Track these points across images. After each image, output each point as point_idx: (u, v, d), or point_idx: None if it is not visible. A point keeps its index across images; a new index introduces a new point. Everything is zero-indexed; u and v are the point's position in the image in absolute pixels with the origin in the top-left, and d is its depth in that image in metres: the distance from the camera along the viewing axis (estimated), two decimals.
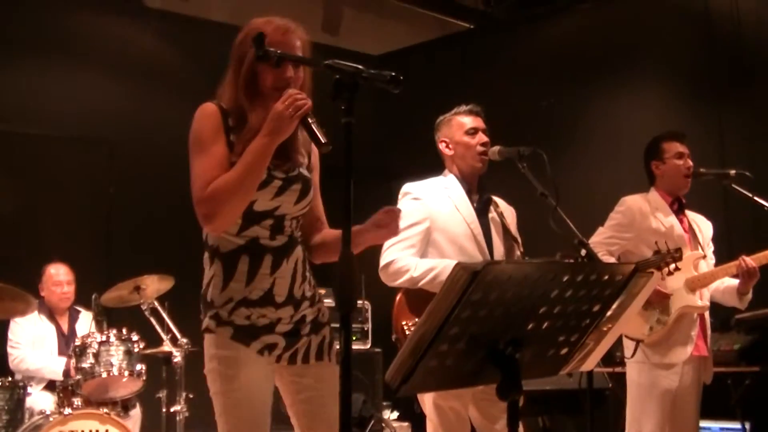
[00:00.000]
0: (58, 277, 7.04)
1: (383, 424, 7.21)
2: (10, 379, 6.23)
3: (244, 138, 3.26)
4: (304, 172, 3.45)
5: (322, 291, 6.37)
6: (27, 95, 7.99)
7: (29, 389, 6.23)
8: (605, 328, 3.25)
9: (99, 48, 8.40)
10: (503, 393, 2.61)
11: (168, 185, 7.67)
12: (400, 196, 4.56)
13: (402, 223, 4.35)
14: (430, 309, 2.40)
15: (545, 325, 2.66)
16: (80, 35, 8.35)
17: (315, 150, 3.56)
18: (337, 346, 3.53)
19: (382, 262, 4.39)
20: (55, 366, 6.65)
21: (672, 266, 4.93)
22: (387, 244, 4.38)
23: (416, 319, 4.29)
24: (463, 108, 4.63)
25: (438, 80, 9.22)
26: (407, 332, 4.27)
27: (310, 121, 3.12)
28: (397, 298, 4.43)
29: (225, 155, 3.26)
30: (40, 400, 6.43)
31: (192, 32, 8.82)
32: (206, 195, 3.19)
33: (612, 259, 5.27)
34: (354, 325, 6.90)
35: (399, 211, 3.40)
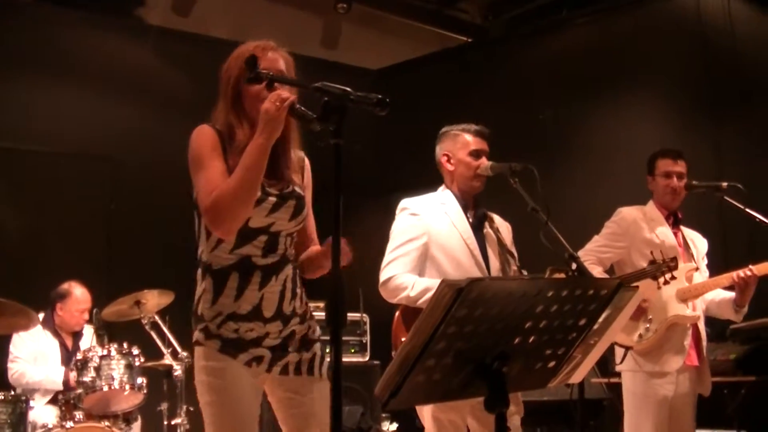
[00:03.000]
0: (83, 304, 7.04)
1: None
2: (12, 393, 6.27)
3: (234, 153, 3.39)
4: (298, 189, 3.55)
5: (320, 304, 6.43)
6: (29, 113, 8.05)
7: (32, 403, 6.24)
8: (592, 342, 3.30)
9: (100, 65, 8.46)
10: (490, 406, 2.67)
11: (168, 201, 7.72)
12: (397, 211, 4.58)
13: (401, 239, 4.45)
14: (416, 325, 2.47)
15: (531, 339, 2.71)
16: (81, 53, 8.41)
17: (308, 170, 3.70)
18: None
19: (382, 278, 4.43)
20: (54, 376, 6.68)
21: (668, 275, 4.98)
22: (386, 260, 4.45)
23: None
24: (473, 128, 4.63)
25: (436, 94, 9.25)
26: None
27: (299, 107, 3.23)
28: (396, 315, 4.47)
29: (224, 169, 3.38)
30: (42, 414, 6.46)
31: (192, 49, 8.88)
32: (212, 202, 3.29)
33: (601, 268, 5.32)
34: (352, 338, 6.96)
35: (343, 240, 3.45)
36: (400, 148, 9.26)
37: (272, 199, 3.43)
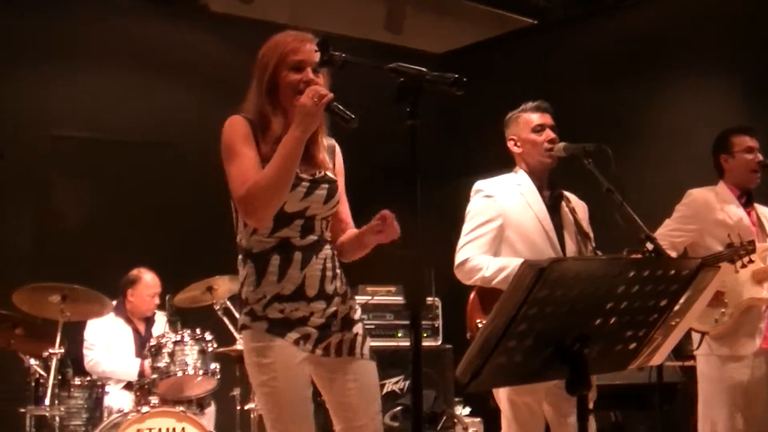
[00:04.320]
0: (153, 288, 7.14)
1: (455, 420, 7.23)
2: (88, 378, 6.36)
3: (269, 142, 3.46)
4: (330, 174, 3.61)
5: (392, 289, 6.44)
6: (93, 102, 8.12)
7: (107, 388, 6.33)
8: (673, 323, 3.28)
9: (163, 53, 8.50)
10: (571, 389, 2.65)
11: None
12: (472, 194, 4.56)
13: (475, 221, 4.43)
14: (498, 306, 2.46)
15: (612, 320, 2.69)
16: (145, 42, 8.45)
17: (338, 156, 3.77)
18: (371, 343, 3.65)
19: (457, 260, 4.43)
20: (129, 368, 6.76)
21: (745, 259, 4.91)
22: (461, 242, 4.44)
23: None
24: (530, 105, 4.61)
25: (500, 77, 9.20)
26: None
27: (336, 105, 3.29)
28: (471, 296, 4.46)
29: (257, 159, 3.45)
30: (117, 399, 6.54)
31: (254, 35, 8.88)
32: (245, 192, 3.37)
33: (674, 253, 5.25)
34: (424, 322, 6.94)
35: (392, 215, 3.47)
36: (466, 132, 9.23)
37: (306, 183, 3.50)
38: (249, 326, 3.51)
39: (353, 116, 3.23)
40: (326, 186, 3.55)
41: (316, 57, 3.40)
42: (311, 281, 3.49)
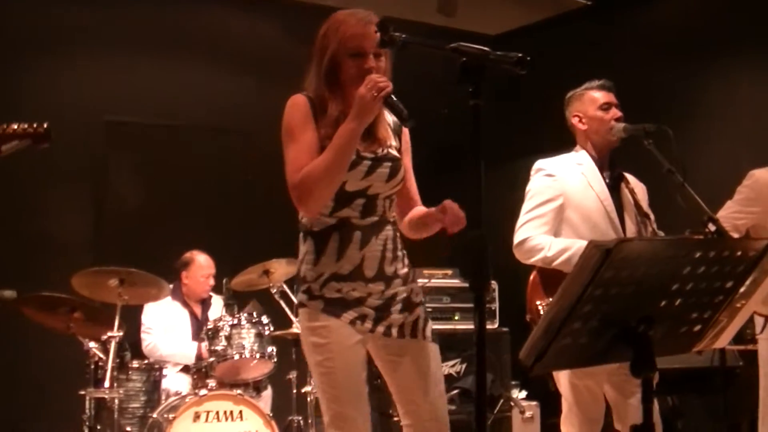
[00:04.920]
0: (207, 269, 7.18)
1: (512, 403, 7.22)
2: (146, 362, 6.42)
3: (326, 125, 3.43)
4: (393, 152, 3.56)
5: (449, 272, 6.43)
6: (162, 88, 8.18)
7: (164, 371, 6.38)
8: (738, 305, 3.23)
9: (229, 40, 8.53)
10: (636, 371, 2.62)
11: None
12: (532, 173, 4.54)
13: (535, 201, 4.41)
14: (563, 287, 2.43)
15: (677, 302, 2.65)
16: (201, 28, 8.48)
17: (406, 133, 3.70)
18: (433, 326, 3.63)
19: (516, 239, 4.41)
20: (187, 351, 6.82)
21: None
22: (520, 221, 4.42)
23: (549, 299, 4.30)
24: (595, 83, 4.59)
25: (554, 58, 9.11)
26: (541, 312, 4.29)
27: (394, 100, 3.25)
28: (531, 277, 4.44)
29: (315, 142, 3.42)
30: (175, 382, 6.59)
31: (310, 19, 8.81)
32: (299, 180, 3.35)
33: (737, 234, 5.18)
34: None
35: (455, 206, 3.40)
36: (521, 113, 9.17)
37: (367, 162, 3.45)
38: (305, 305, 3.51)
39: (409, 117, 3.23)
40: (389, 164, 3.50)
41: (377, 40, 3.34)
42: (370, 262, 3.46)
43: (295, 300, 6.61)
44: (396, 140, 3.61)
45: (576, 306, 2.42)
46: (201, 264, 7.19)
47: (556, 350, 2.50)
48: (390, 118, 3.61)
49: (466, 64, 2.75)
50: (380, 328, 3.48)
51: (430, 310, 6.92)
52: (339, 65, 3.47)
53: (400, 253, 3.58)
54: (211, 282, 7.19)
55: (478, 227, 2.70)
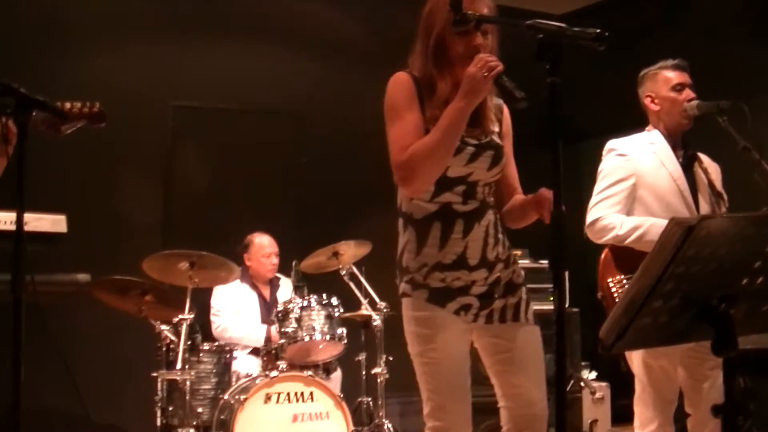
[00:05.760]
0: (267, 248, 7.20)
1: (582, 384, 7.18)
2: (217, 344, 6.46)
3: (434, 105, 3.34)
4: (496, 139, 3.48)
5: (518, 252, 6.40)
6: (219, 72, 8.20)
7: (235, 353, 6.42)
8: None
9: (286, 22, 8.54)
10: (718, 350, 2.57)
11: (358, 153, 7.80)
12: (604, 153, 4.50)
13: (607, 180, 4.37)
14: (644, 265, 2.39)
15: (759, 280, 2.60)
16: (266, 11, 8.49)
17: (506, 118, 3.62)
18: (535, 307, 3.57)
19: (588, 219, 4.38)
20: (256, 334, 6.85)
21: None
22: (593, 201, 4.39)
23: (621, 277, 4.27)
24: (669, 63, 4.52)
25: (623, 36, 8.99)
26: (613, 290, 4.26)
27: (504, 80, 3.15)
28: (603, 255, 4.41)
29: (420, 121, 3.34)
30: (245, 364, 6.64)
31: (375, 3, 8.87)
32: (404, 159, 3.27)
33: None
34: (550, 285, 6.85)
35: (549, 193, 3.28)
36: (586, 94, 9.08)
37: (470, 149, 3.37)
38: (409, 294, 3.46)
39: (522, 96, 3.09)
40: (491, 152, 3.42)
41: (483, 9, 3.29)
42: (473, 250, 3.40)
43: (364, 282, 6.68)
44: (497, 125, 3.53)
45: (657, 284, 2.38)
46: (260, 244, 7.22)
47: (636, 329, 2.47)
48: (493, 101, 3.51)
49: (543, 41, 2.71)
50: (483, 317, 3.44)
51: None
52: (445, 43, 3.36)
53: (501, 236, 3.52)
54: (274, 261, 7.21)
55: (557, 207, 2.66)
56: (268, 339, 6.71)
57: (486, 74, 3.14)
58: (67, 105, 3.45)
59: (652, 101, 4.50)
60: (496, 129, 3.51)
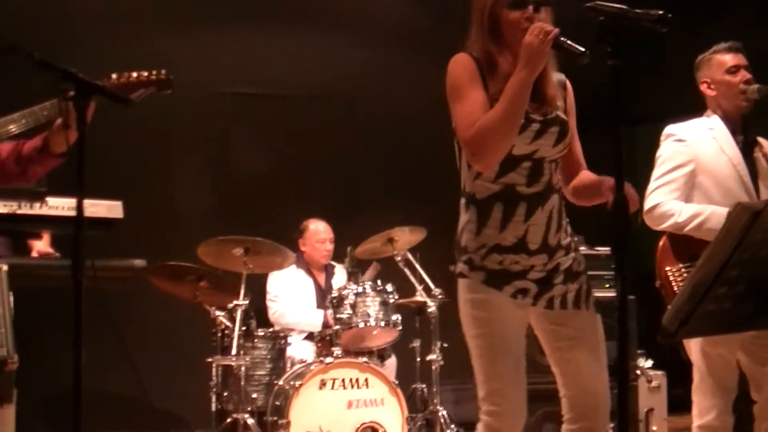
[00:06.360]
0: (322, 234, 7.22)
1: (638, 372, 7.10)
2: (271, 329, 6.49)
3: (497, 81, 3.32)
4: (561, 114, 3.45)
5: (575, 238, 6.36)
6: (271, 58, 8.20)
7: (289, 339, 6.44)
8: None
9: (336, 6, 8.53)
10: None
11: (412, 139, 7.79)
12: (662, 138, 4.45)
13: (666, 166, 4.32)
14: (708, 252, 2.36)
15: None
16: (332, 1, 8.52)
17: (570, 93, 3.58)
18: (596, 294, 3.53)
19: (647, 206, 4.32)
20: (313, 319, 6.86)
21: None
22: (651, 187, 4.34)
23: (680, 265, 4.22)
24: (723, 45, 4.46)
25: (684, 19, 8.87)
26: (671, 279, 4.21)
27: (563, 40, 3.15)
28: (661, 243, 4.35)
29: (484, 98, 3.32)
30: (299, 350, 6.66)
31: None
32: (472, 134, 3.26)
33: None
34: (606, 273, 6.80)
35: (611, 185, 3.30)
36: (643, 77, 8.97)
37: (535, 125, 3.34)
38: (466, 275, 3.43)
39: (584, 50, 3.08)
40: (557, 127, 3.39)
41: None
42: (534, 234, 3.37)
43: (419, 268, 6.66)
44: (561, 101, 3.50)
45: (722, 270, 2.35)
46: (314, 230, 7.24)
47: (700, 316, 2.44)
48: (555, 77, 3.49)
49: (605, 23, 2.67)
50: (542, 302, 3.40)
51: None
52: (499, 18, 3.36)
53: (564, 222, 3.48)
54: (328, 247, 7.23)
55: (620, 191, 2.62)
56: (325, 324, 6.70)
57: (543, 39, 3.13)
58: (134, 74, 3.48)
59: (708, 86, 4.44)
60: (561, 104, 3.49)
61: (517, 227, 3.36)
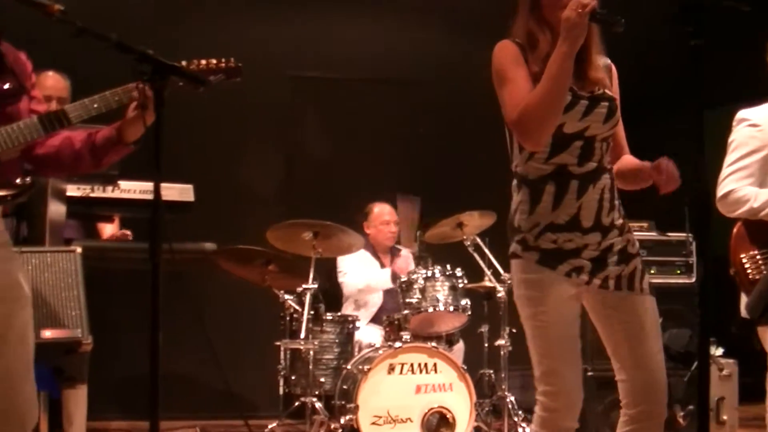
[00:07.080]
0: (387, 216, 7.24)
1: (710, 360, 7.03)
2: (339, 314, 6.51)
3: (539, 61, 3.35)
4: (608, 92, 3.46)
5: (644, 224, 6.25)
6: (333, 41, 8.24)
7: (357, 324, 6.45)
8: None
9: None
10: None
11: (478, 122, 7.74)
12: (734, 123, 4.36)
13: (739, 152, 4.23)
14: None
15: None
16: None
17: (615, 77, 3.59)
18: (662, 281, 3.49)
19: (719, 192, 4.24)
20: (382, 275, 6.95)
21: None
22: (723, 173, 4.25)
23: (755, 252, 4.14)
24: None
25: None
26: (746, 266, 4.13)
27: (600, 11, 3.18)
28: (735, 230, 4.27)
29: (529, 80, 3.35)
30: (367, 334, 6.68)
31: None
32: (518, 114, 3.28)
33: None
34: (677, 259, 6.73)
35: (670, 165, 3.29)
36: (714, 59, 8.84)
37: (584, 102, 3.36)
38: (520, 255, 3.44)
39: (620, 19, 3.12)
40: (606, 104, 3.41)
41: None
42: (587, 212, 3.37)
43: (488, 253, 6.63)
44: (607, 81, 3.50)
45: None
46: (379, 212, 7.26)
47: None
48: (601, 61, 3.49)
49: (686, 3, 2.63)
50: (596, 281, 3.38)
51: None
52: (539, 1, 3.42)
53: (616, 202, 3.47)
54: (393, 229, 7.25)
55: (699, 180, 2.57)
56: (394, 275, 6.74)
57: (580, 11, 3.14)
58: (203, 61, 3.51)
59: None
60: (608, 83, 3.49)
61: (570, 205, 3.37)
